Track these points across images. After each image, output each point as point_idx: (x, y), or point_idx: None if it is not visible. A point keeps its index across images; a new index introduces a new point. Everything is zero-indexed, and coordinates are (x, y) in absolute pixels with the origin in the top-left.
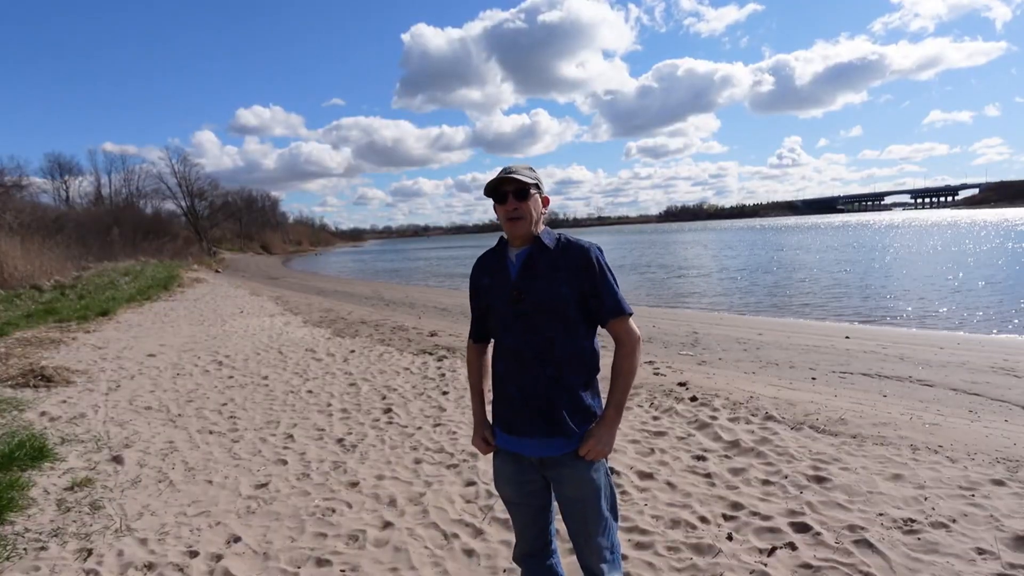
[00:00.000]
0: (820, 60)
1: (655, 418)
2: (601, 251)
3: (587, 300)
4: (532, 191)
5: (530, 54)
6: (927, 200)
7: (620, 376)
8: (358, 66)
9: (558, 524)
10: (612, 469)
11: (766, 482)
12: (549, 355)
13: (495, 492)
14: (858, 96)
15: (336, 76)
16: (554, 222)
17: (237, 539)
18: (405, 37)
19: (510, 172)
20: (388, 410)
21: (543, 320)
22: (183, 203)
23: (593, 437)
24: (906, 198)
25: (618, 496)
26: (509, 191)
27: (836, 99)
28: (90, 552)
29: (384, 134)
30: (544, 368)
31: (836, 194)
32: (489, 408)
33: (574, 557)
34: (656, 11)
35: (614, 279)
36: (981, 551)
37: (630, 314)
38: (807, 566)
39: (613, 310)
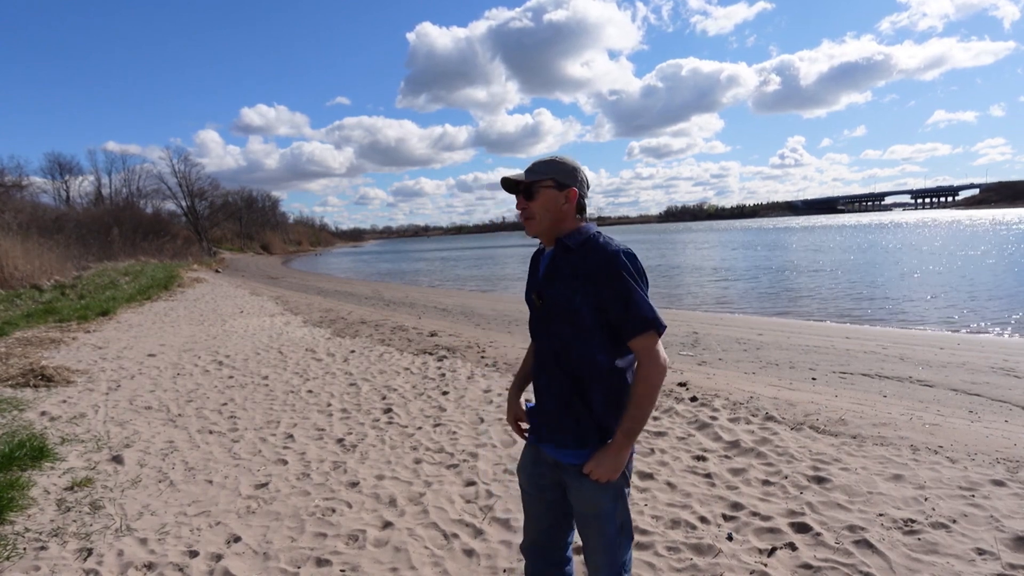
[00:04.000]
0: (825, 60)
1: (655, 418)
2: (631, 257)
3: (607, 311)
4: (541, 188)
5: (535, 53)
6: (927, 200)
7: (631, 402)
8: (363, 65)
9: None
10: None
11: (766, 482)
12: (565, 362)
13: (495, 492)
14: (862, 96)
15: (341, 75)
16: None
17: (237, 539)
18: (410, 36)
19: (531, 169)
20: (388, 410)
21: (558, 326)
22: (183, 203)
23: (594, 458)
24: (906, 198)
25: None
26: (519, 191)
27: (840, 99)
28: (90, 552)
29: (387, 133)
30: (561, 375)
31: (837, 194)
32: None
33: (575, 558)
34: (663, 10)
35: (642, 290)
36: (981, 551)
37: (655, 332)
38: (807, 566)
39: (632, 325)
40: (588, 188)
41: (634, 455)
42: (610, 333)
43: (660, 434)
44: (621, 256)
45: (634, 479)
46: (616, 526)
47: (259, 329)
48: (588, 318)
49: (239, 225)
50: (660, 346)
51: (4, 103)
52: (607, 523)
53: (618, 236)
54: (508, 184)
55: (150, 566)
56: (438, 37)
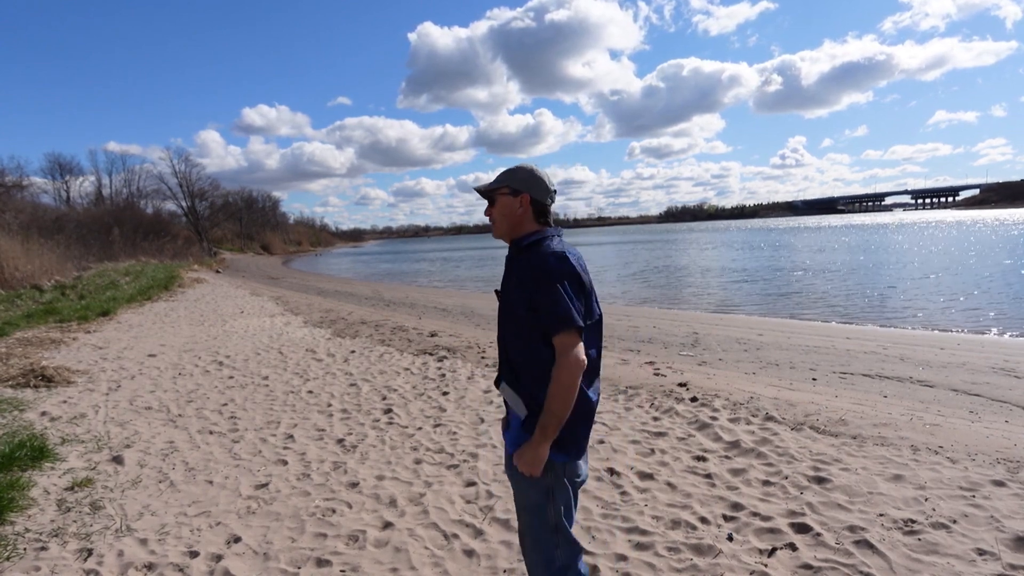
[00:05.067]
0: (827, 59)
1: (655, 419)
2: (560, 258)
3: (537, 311)
4: (500, 195)
5: (537, 53)
6: (927, 201)
7: (546, 399)
8: (364, 66)
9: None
10: (613, 470)
11: (766, 483)
12: (513, 359)
13: (495, 493)
14: (864, 96)
15: (342, 76)
16: (555, 222)
17: (237, 539)
18: (411, 36)
19: (495, 178)
20: (388, 410)
21: (507, 324)
22: (184, 203)
23: (518, 450)
24: (906, 199)
25: (572, 516)
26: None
27: (841, 99)
28: (90, 552)
29: (388, 134)
30: (510, 371)
31: (837, 194)
32: None
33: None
34: (665, 10)
35: (567, 293)
36: (981, 552)
37: (571, 331)
38: (807, 567)
39: (551, 324)
40: (549, 194)
41: (581, 461)
42: (542, 329)
43: (660, 434)
44: (551, 258)
45: (634, 479)
46: (548, 525)
47: (259, 329)
48: (526, 317)
49: (239, 225)
50: (578, 347)
51: (4, 103)
52: (536, 518)
53: (618, 236)
54: (480, 192)
55: (150, 566)
56: (439, 37)
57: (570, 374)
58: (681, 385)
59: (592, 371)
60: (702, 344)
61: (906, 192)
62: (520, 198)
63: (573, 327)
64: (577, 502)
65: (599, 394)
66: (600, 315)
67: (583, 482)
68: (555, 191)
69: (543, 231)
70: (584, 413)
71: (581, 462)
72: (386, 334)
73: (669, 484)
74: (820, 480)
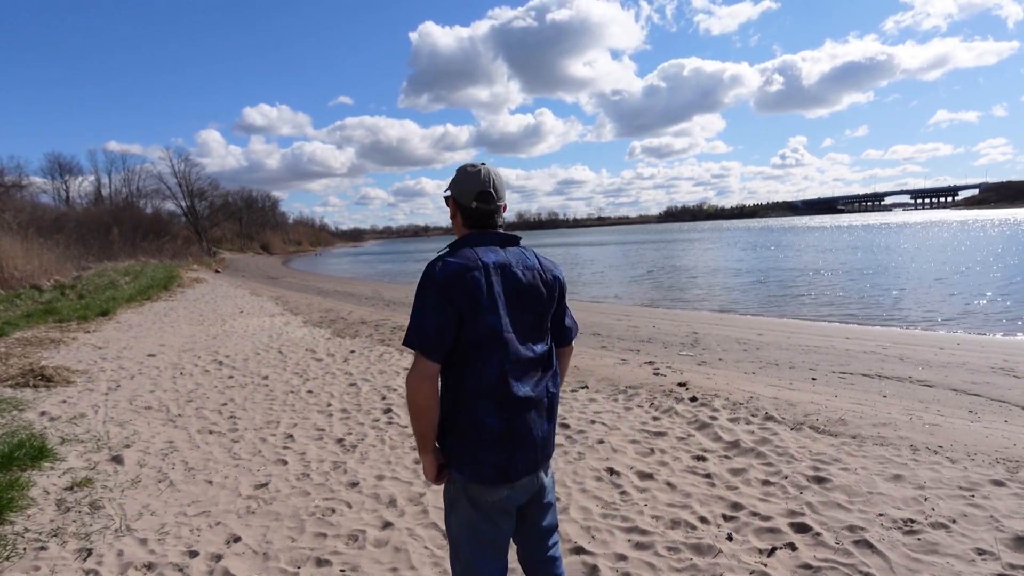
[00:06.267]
0: (828, 59)
1: (655, 418)
2: (429, 269)
3: None
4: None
5: (538, 53)
6: (927, 201)
7: None
8: (366, 65)
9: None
10: (612, 470)
11: (766, 482)
12: None
13: None
14: (864, 96)
15: (344, 75)
16: (554, 222)
17: (237, 539)
18: (413, 36)
19: None
20: (388, 410)
21: None
22: (183, 203)
23: None
24: (906, 198)
25: (484, 544)
26: None
27: (842, 99)
28: (90, 552)
29: (388, 133)
30: None
31: (837, 194)
32: None
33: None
34: (667, 9)
35: (421, 305)
36: (981, 551)
37: (414, 348)
38: (807, 566)
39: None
40: (472, 196)
41: (502, 487)
42: None
43: (660, 434)
44: (425, 267)
45: (634, 479)
46: (451, 533)
47: (259, 329)
48: None
49: (239, 225)
50: (420, 364)
51: (4, 103)
52: (446, 523)
53: (618, 236)
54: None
55: (150, 566)
56: (441, 37)
57: (410, 389)
58: (681, 385)
59: (492, 392)
60: (702, 344)
61: (906, 192)
62: (450, 201)
63: (413, 343)
64: (523, 534)
65: (510, 419)
66: (502, 332)
67: (511, 508)
68: (488, 192)
69: (466, 236)
70: (473, 436)
71: (502, 488)
72: (386, 334)
73: (669, 484)
74: (820, 480)
